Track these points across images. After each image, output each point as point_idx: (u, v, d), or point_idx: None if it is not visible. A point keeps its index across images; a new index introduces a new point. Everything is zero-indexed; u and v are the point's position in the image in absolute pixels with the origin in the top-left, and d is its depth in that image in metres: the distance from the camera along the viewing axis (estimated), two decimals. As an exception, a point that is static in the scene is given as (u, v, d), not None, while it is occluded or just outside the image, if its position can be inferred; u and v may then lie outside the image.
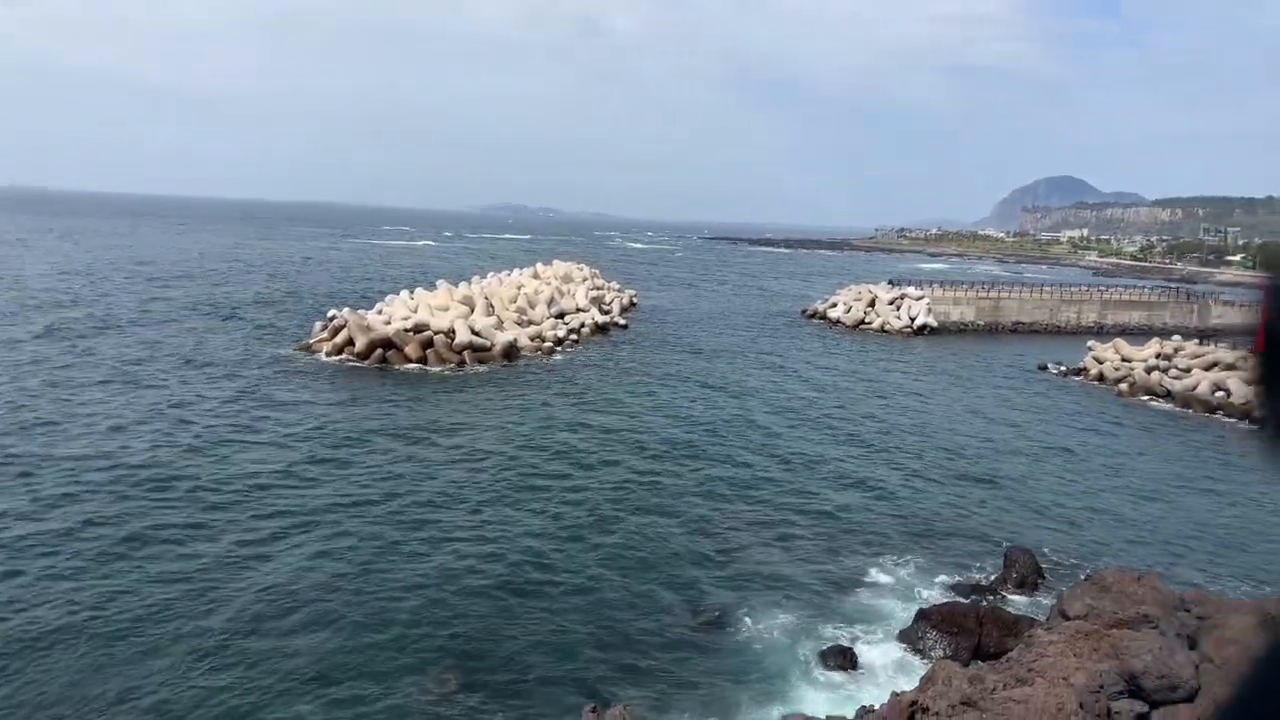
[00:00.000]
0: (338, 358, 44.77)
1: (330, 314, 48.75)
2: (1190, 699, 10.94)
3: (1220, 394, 45.74)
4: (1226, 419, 43.75)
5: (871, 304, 73.74)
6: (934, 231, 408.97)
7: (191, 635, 16.77)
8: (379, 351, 44.78)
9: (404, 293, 52.45)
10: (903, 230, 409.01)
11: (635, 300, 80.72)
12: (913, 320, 70.91)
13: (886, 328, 70.32)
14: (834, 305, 75.75)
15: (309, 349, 46.36)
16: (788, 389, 45.05)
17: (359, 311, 48.27)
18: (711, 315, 76.89)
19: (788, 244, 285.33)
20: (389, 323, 46.46)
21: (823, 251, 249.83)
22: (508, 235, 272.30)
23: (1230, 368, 47.96)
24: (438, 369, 44.36)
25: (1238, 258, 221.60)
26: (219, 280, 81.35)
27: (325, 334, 47.06)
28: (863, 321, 71.69)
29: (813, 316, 76.75)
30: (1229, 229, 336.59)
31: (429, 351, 45.68)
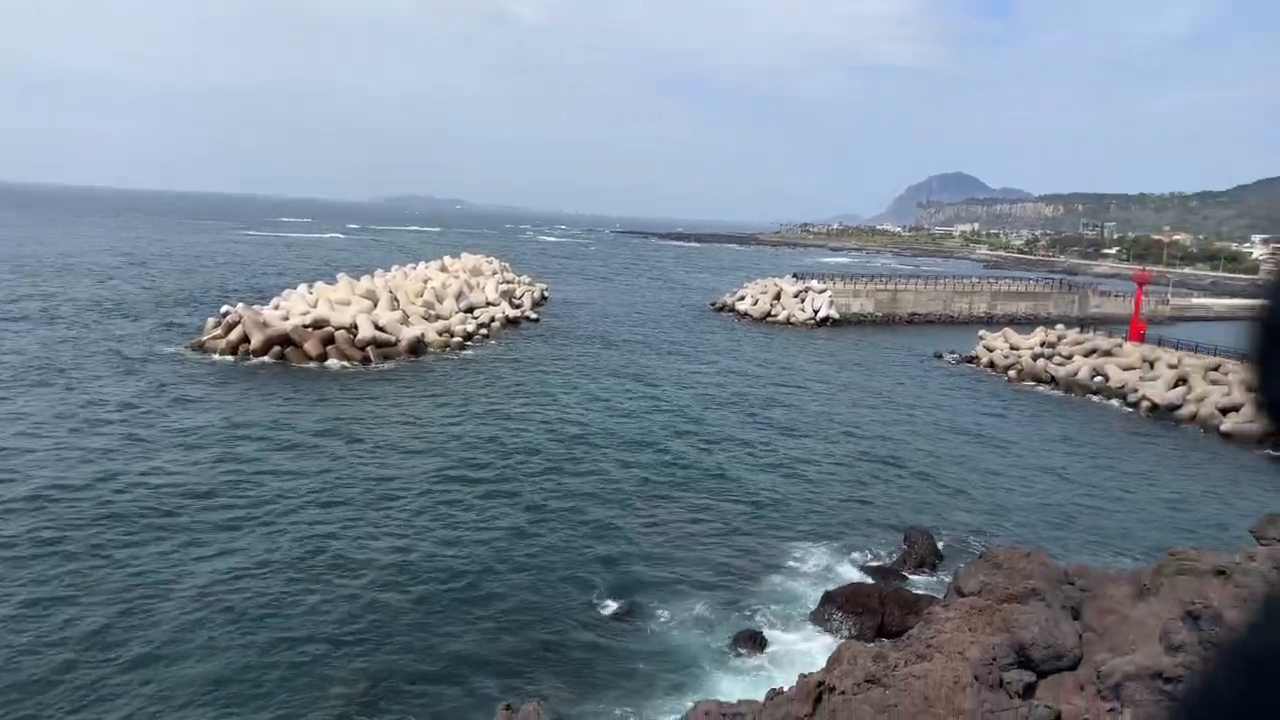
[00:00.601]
0: (232, 356, 42.81)
1: (224, 310, 46.50)
2: (1074, 667, 11.61)
3: (1099, 379, 48.74)
4: (1105, 401, 46.64)
5: (777, 297, 75.39)
6: (836, 227, 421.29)
7: (89, 653, 15.74)
8: (276, 349, 43.03)
9: (302, 287, 50.51)
10: (806, 225, 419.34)
11: (547, 294, 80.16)
12: (816, 312, 72.88)
13: (792, 320, 72.02)
14: (742, 298, 77.10)
15: (201, 347, 44.16)
16: (698, 380, 45.59)
17: (254, 307, 46.26)
18: (623, 308, 77.08)
19: (697, 238, 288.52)
20: (287, 318, 44.69)
21: (731, 246, 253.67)
22: (414, 227, 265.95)
23: (1108, 354, 51.19)
24: (339, 366, 42.95)
25: (1114, 250, 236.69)
26: (101, 276, 76.46)
27: (219, 331, 44.90)
28: (769, 314, 73.21)
29: (721, 309, 77.92)
30: (1105, 223, 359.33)
31: (330, 348, 44.18)
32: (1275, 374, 0.88)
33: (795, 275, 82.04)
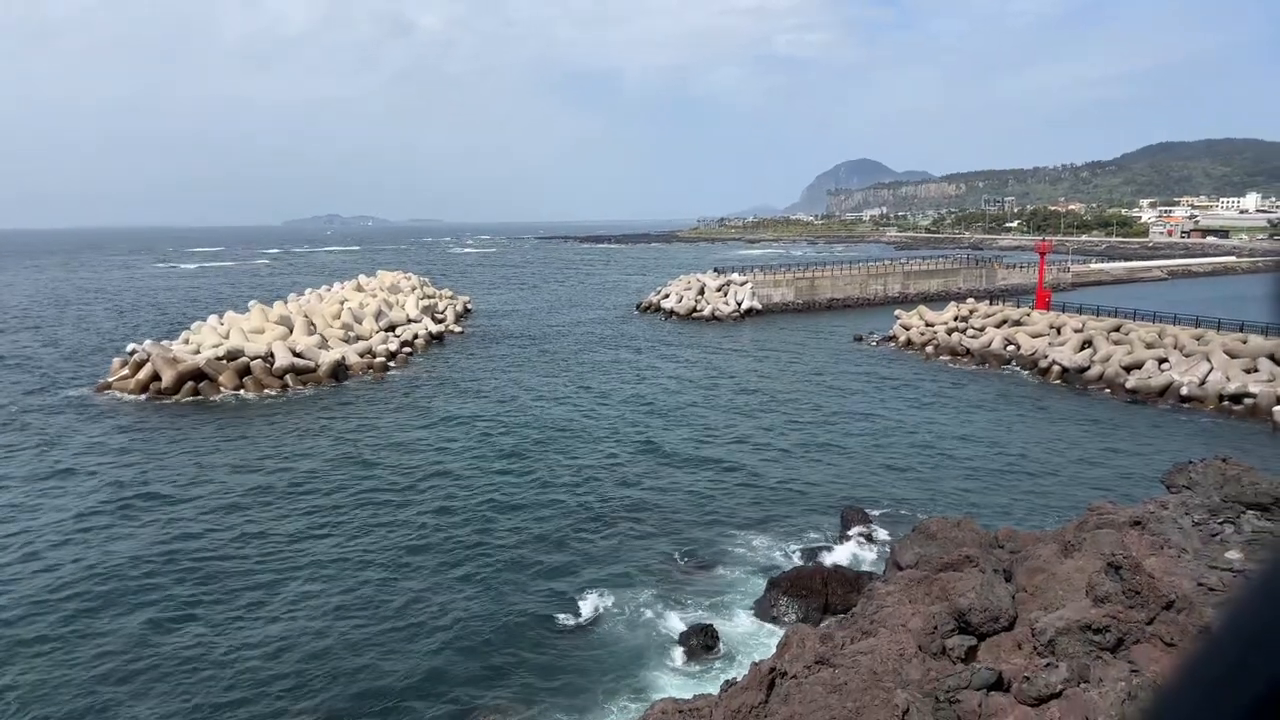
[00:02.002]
0: (142, 395, 40.92)
1: (130, 348, 44.39)
2: (1010, 627, 12.05)
3: (1011, 348, 50.79)
4: (1018, 369, 48.63)
5: (701, 292, 76.15)
6: (751, 219, 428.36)
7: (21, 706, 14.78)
8: (189, 384, 41.30)
9: (213, 318, 48.67)
10: (723, 220, 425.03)
11: (470, 306, 79.16)
12: (739, 304, 73.91)
13: (716, 314, 72.85)
14: (666, 296, 77.59)
15: (108, 388, 42.09)
16: (629, 381, 45.68)
17: (163, 343, 44.32)
18: (548, 315, 76.66)
19: (619, 240, 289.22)
20: (198, 352, 42.94)
21: (653, 245, 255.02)
22: (334, 247, 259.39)
23: (1017, 324, 53.38)
24: (257, 396, 41.50)
25: (1015, 224, 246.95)
26: (-11, 322, 72.00)
27: (125, 370, 42.88)
28: (694, 310, 73.89)
29: (647, 309, 78.26)
30: (1005, 198, 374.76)
31: (246, 379, 42.65)
32: None
33: (716, 270, 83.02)
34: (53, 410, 38.69)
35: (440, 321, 64.42)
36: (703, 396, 41.93)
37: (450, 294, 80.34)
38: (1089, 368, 44.79)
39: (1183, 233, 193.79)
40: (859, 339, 60.58)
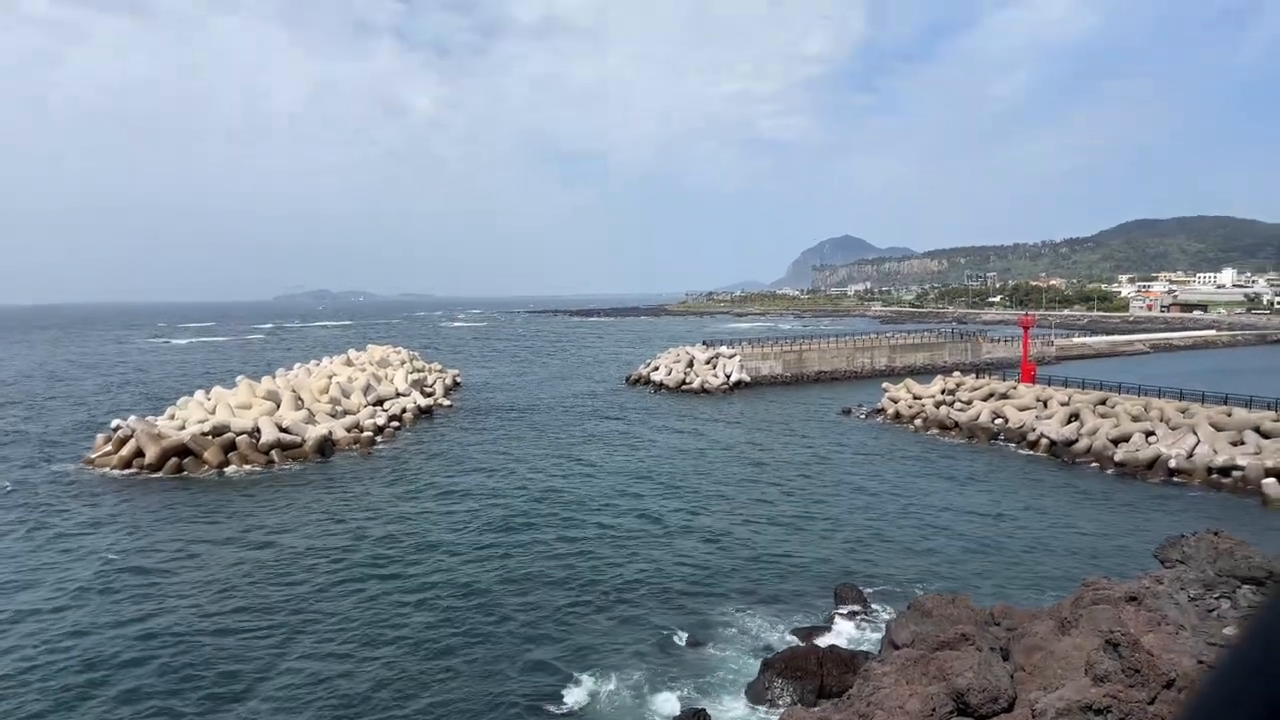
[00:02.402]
0: (126, 471, 40.34)
1: (114, 424, 43.98)
2: (1010, 708, 11.80)
3: (999, 421, 51.00)
4: (1006, 443, 48.73)
5: (690, 365, 76.51)
6: (739, 293, 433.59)
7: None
8: (174, 460, 40.80)
9: (199, 393, 48.41)
10: (711, 294, 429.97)
11: (459, 379, 79.12)
12: (728, 377, 74.22)
13: (706, 386, 73.05)
14: (656, 369, 77.87)
15: (92, 464, 41.51)
16: (619, 455, 45.43)
17: (148, 418, 43.95)
18: (538, 387, 76.65)
19: (608, 313, 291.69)
20: (183, 427, 42.54)
21: (642, 318, 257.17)
22: (326, 322, 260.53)
23: (1004, 397, 53.73)
24: (242, 472, 40.96)
25: (998, 299, 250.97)
26: (-28, 397, 71.34)
27: (109, 446, 42.38)
28: (684, 382, 74.09)
29: (637, 382, 78.42)
30: (987, 274, 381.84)
31: (231, 455, 42.18)
32: None
33: (705, 343, 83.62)
34: (36, 486, 38.03)
35: (429, 395, 64.26)
36: (693, 468, 41.70)
37: (440, 368, 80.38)
38: (1077, 441, 44.93)
39: (1162, 307, 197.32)
40: (847, 412, 60.72)
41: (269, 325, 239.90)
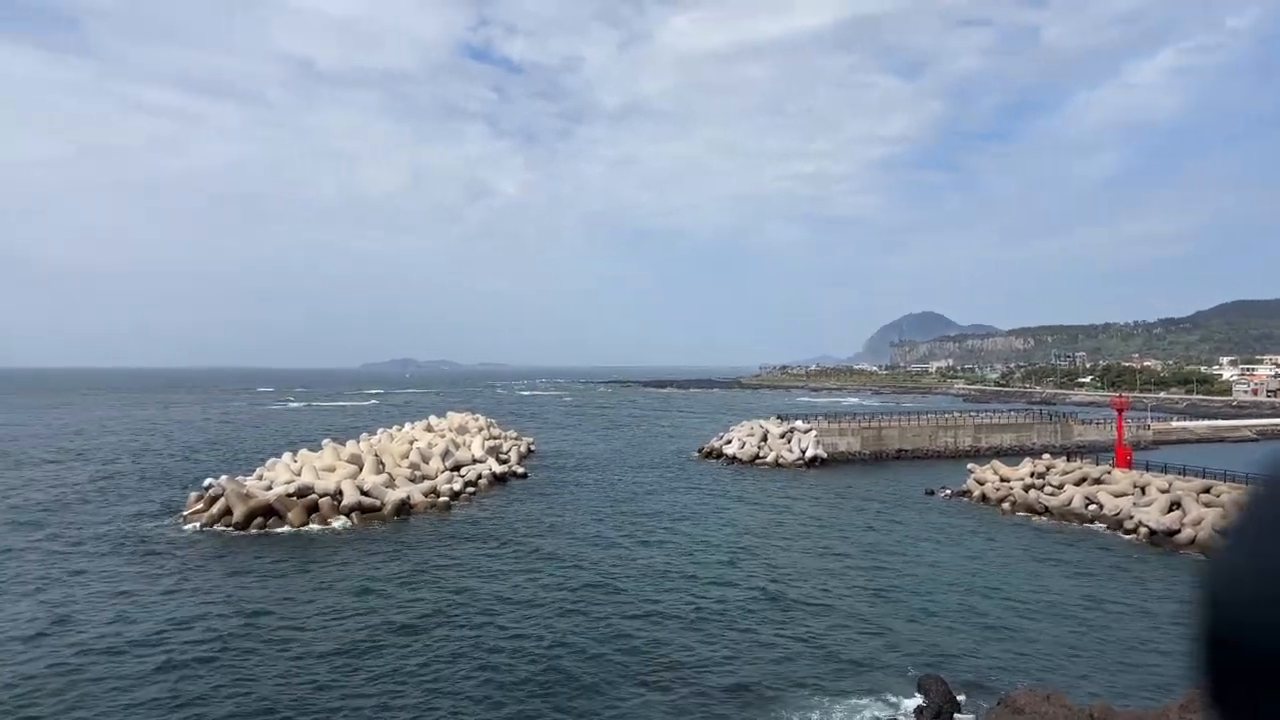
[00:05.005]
0: (213, 528, 41.80)
1: (206, 483, 45.87)
2: (1115, 818, 10.88)
3: (1093, 507, 48.42)
4: (1101, 529, 46.13)
5: (764, 439, 75.47)
6: (814, 368, 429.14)
7: None
8: (259, 519, 42.12)
9: (286, 455, 50.15)
10: (785, 368, 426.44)
11: (534, 447, 79.93)
12: (803, 452, 72.80)
13: (780, 461, 71.80)
14: (729, 442, 77.08)
15: (183, 521, 43.19)
16: (690, 530, 44.77)
17: (237, 478, 45.65)
18: (609, 458, 76.68)
19: (680, 385, 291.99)
20: (270, 488, 44.00)
21: (714, 390, 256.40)
22: (415, 390, 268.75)
23: (1098, 482, 51.11)
24: (321, 531, 41.97)
25: (1088, 379, 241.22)
26: (81, 453, 75.67)
27: (200, 504, 44.10)
28: (757, 456, 73.03)
29: (709, 455, 77.69)
30: (1076, 353, 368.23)
31: (314, 516, 43.32)
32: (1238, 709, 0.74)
33: (779, 416, 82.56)
34: (131, 542, 39.67)
35: (504, 462, 65.02)
36: (766, 546, 40.70)
37: (515, 435, 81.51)
38: (1179, 530, 42.22)
39: (1269, 391, 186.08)
40: (931, 492, 58.65)
41: (379, 391, 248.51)
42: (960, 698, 21.92)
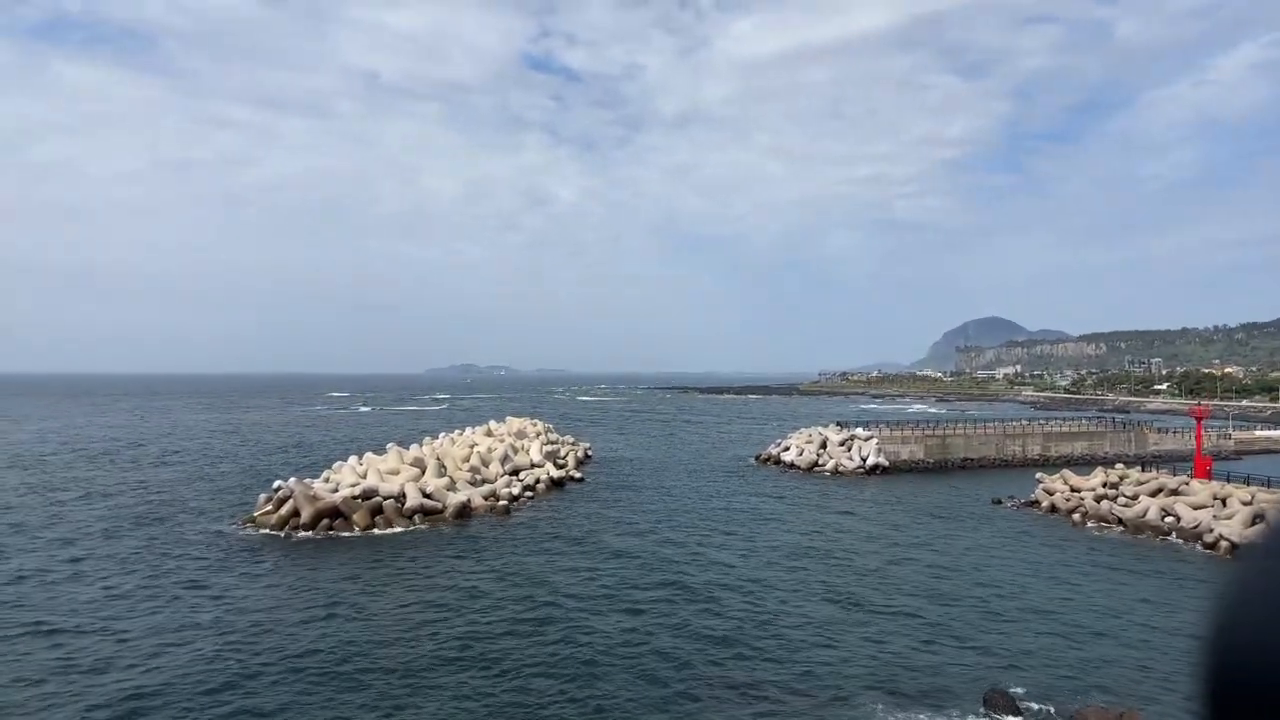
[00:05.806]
0: (282, 530, 43.08)
1: (276, 485, 47.32)
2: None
3: (1170, 519, 46.48)
4: (1178, 542, 44.25)
5: (823, 446, 74.44)
6: (875, 374, 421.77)
7: None
8: (325, 521, 43.27)
9: (353, 458, 51.42)
10: (845, 374, 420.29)
11: (590, 453, 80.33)
12: (864, 460, 71.57)
13: (840, 469, 70.73)
14: (787, 449, 76.25)
15: (253, 522, 44.62)
16: (750, 537, 44.42)
17: (305, 480, 46.98)
18: (666, 464, 76.61)
19: (737, 391, 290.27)
20: (336, 490, 45.17)
21: (771, 397, 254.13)
22: (476, 395, 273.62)
23: (1175, 493, 49.03)
24: (385, 532, 42.93)
25: (1164, 387, 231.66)
26: (162, 454, 78.91)
27: (270, 506, 45.50)
28: (816, 464, 72.07)
29: (767, 461, 77.01)
30: (1152, 360, 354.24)
31: (378, 518, 44.32)
32: None
33: (839, 423, 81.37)
34: (203, 542, 41.16)
35: (562, 467, 65.52)
36: (826, 555, 40.13)
37: (572, 440, 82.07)
38: (1265, 545, 40.16)
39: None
40: (998, 502, 57.08)
41: (446, 396, 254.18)
42: (1030, 709, 21.26)
